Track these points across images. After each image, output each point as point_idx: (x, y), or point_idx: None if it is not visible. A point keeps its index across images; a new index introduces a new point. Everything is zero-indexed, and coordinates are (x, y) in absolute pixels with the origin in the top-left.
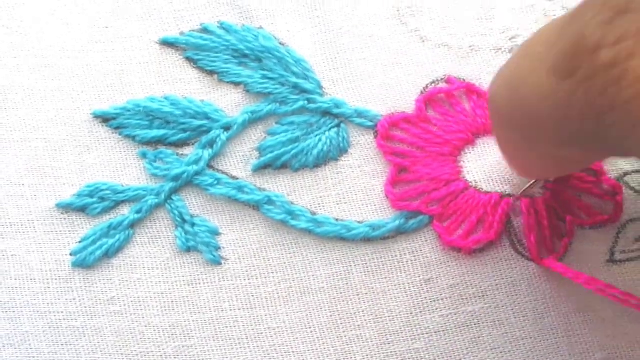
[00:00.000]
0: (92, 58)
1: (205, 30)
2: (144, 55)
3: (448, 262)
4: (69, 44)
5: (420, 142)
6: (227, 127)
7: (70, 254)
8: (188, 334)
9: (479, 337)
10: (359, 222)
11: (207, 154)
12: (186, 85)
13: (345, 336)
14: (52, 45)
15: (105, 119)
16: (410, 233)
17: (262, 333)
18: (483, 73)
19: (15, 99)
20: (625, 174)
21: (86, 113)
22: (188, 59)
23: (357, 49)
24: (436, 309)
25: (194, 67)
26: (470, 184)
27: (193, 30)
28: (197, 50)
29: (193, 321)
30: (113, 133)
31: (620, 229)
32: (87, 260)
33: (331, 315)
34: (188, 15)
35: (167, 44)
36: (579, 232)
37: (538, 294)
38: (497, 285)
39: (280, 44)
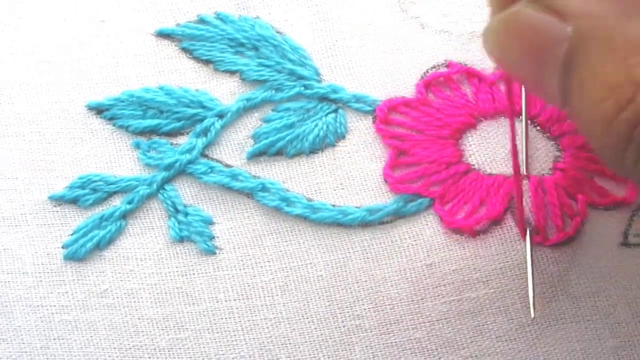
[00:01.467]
0: (89, 52)
1: (201, 20)
2: (140, 47)
3: (451, 245)
4: (66, 39)
5: (419, 125)
6: (221, 115)
7: (62, 247)
8: (182, 325)
9: (483, 325)
10: (356, 207)
11: (200, 142)
12: (182, 76)
13: (343, 326)
14: (50, 41)
15: (99, 110)
16: (410, 216)
17: (258, 324)
18: (484, 59)
19: (12, 94)
20: None
21: (81, 106)
22: (184, 49)
23: (356, 37)
24: (438, 296)
25: (189, 58)
26: (473, 166)
27: (189, 21)
28: (192, 41)
29: (187, 313)
30: (107, 124)
31: (634, 212)
32: (78, 253)
33: (329, 305)
34: (185, 7)
35: (163, 35)
36: (591, 214)
37: (545, 277)
38: (502, 269)
39: (277, 32)
